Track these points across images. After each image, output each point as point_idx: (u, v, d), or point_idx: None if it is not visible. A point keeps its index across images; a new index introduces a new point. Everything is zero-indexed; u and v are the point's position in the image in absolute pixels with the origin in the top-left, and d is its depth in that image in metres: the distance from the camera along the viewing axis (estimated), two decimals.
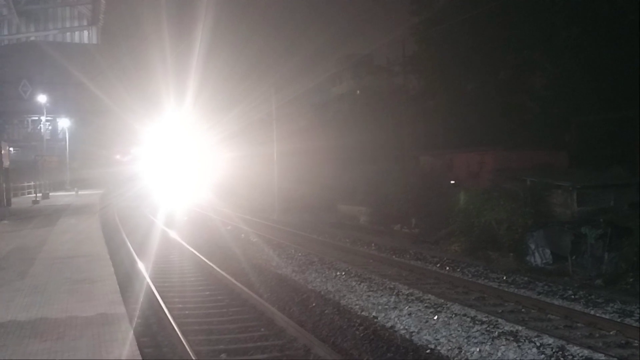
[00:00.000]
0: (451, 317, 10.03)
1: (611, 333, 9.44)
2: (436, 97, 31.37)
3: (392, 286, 12.64)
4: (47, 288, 9.66)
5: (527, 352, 8.25)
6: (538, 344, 8.50)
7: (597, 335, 9.45)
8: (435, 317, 10.02)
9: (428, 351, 8.71)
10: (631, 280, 13.45)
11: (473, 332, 9.18)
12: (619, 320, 10.04)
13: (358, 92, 41.09)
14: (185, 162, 52.47)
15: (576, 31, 23.22)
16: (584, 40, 22.86)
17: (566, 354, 8.15)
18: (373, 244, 19.79)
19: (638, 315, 10.39)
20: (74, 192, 43.04)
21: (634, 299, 11.66)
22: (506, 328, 9.33)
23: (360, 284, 12.91)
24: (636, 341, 8.99)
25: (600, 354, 8.18)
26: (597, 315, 10.35)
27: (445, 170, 24.38)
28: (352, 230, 24.05)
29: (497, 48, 26.90)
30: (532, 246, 16.04)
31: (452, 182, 20.18)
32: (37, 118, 56.75)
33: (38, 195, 36.76)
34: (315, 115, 44.14)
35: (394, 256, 17.42)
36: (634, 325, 9.72)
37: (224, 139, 45.45)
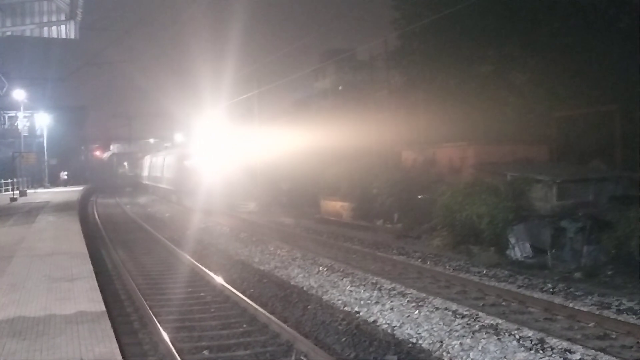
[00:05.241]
0: (433, 311, 10.08)
1: (590, 325, 9.57)
2: (418, 92, 31.42)
3: (374, 281, 12.66)
4: (25, 286, 9.51)
5: (507, 345, 8.32)
6: (518, 337, 8.58)
7: (576, 327, 9.57)
8: (417, 312, 10.07)
9: (410, 345, 8.75)
10: (610, 273, 13.64)
11: (454, 325, 9.24)
12: (597, 312, 10.17)
13: (340, 87, 41.05)
14: (170, 158, 51.91)
15: (557, 25, 23.40)
16: (564, 35, 23.05)
17: (545, 346, 8.23)
18: (356, 239, 19.81)
19: (616, 308, 10.54)
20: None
21: (613, 292, 11.83)
22: (487, 321, 9.40)
23: (343, 279, 12.92)
24: (614, 333, 9.13)
25: (578, 346, 8.28)
26: (576, 307, 10.47)
27: (428, 165, 24.42)
28: (335, 226, 24.06)
29: (479, 42, 26.99)
30: (513, 240, 16.16)
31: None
32: (14, 114, 55.84)
33: (15, 192, 36.16)
34: (298, 110, 44.03)
35: (376, 251, 17.46)
36: (612, 317, 9.86)
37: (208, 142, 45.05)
